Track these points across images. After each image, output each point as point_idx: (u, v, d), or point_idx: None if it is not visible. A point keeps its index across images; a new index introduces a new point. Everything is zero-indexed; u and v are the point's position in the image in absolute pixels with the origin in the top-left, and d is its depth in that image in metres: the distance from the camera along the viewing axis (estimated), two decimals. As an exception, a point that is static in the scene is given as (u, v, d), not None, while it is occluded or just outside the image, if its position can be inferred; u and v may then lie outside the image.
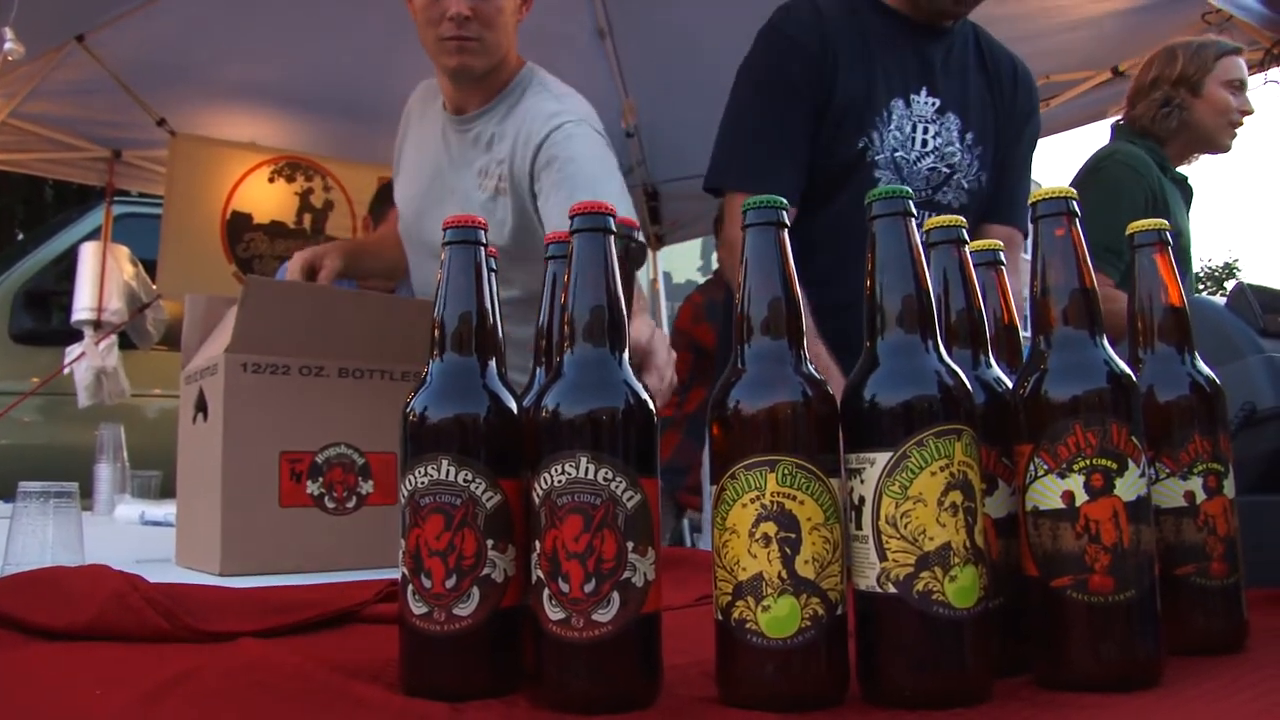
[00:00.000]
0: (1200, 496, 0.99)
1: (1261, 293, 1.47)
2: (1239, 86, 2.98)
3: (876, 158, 2.04)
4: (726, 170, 2.11)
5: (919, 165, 2.08)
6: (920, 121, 2.08)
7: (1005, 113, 2.21)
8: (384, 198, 3.65)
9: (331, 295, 1.91)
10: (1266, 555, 1.22)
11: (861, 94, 2.04)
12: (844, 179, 2.05)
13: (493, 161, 2.20)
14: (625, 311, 0.86)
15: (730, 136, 2.12)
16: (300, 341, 1.60)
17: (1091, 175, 2.86)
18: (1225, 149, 3.03)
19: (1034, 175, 2.40)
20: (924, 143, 2.09)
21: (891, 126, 2.06)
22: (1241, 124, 3.01)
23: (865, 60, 2.06)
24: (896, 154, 2.05)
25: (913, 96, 2.09)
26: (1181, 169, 3.02)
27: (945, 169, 2.10)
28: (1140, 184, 2.79)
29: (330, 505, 1.60)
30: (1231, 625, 0.98)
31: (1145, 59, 3.13)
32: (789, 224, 0.88)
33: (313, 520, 1.58)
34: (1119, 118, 3.14)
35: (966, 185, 2.13)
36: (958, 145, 2.12)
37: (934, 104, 2.10)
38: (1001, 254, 1.08)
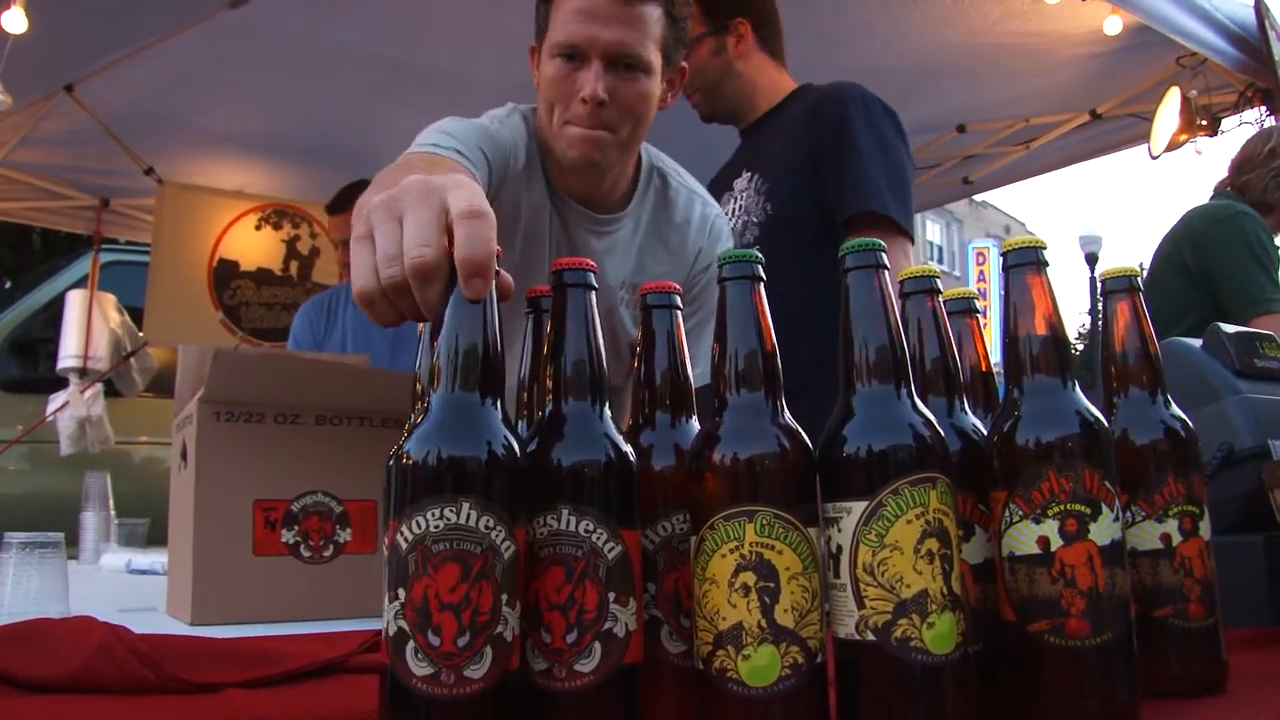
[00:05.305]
0: (1176, 539, 1.00)
1: (1237, 333, 1.49)
2: None
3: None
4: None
5: (738, 229, 2.38)
6: (740, 195, 2.43)
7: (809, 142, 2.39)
8: (345, 198, 3.77)
9: (300, 364, 1.91)
10: (1246, 596, 1.23)
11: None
12: None
13: (643, 275, 1.91)
14: (605, 365, 0.87)
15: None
16: (274, 393, 1.59)
17: (1228, 224, 3.08)
18: None
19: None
20: (737, 210, 2.41)
21: (727, 212, 2.37)
22: None
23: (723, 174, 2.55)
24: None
25: (735, 182, 2.47)
26: None
27: (746, 218, 2.40)
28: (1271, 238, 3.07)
29: (306, 554, 1.59)
30: (1211, 667, 0.99)
31: (1259, 133, 3.36)
32: (765, 278, 0.89)
33: (288, 569, 1.57)
34: (1224, 180, 3.35)
35: (756, 220, 2.36)
36: (752, 194, 2.40)
37: (747, 176, 2.45)
38: (976, 302, 1.10)
